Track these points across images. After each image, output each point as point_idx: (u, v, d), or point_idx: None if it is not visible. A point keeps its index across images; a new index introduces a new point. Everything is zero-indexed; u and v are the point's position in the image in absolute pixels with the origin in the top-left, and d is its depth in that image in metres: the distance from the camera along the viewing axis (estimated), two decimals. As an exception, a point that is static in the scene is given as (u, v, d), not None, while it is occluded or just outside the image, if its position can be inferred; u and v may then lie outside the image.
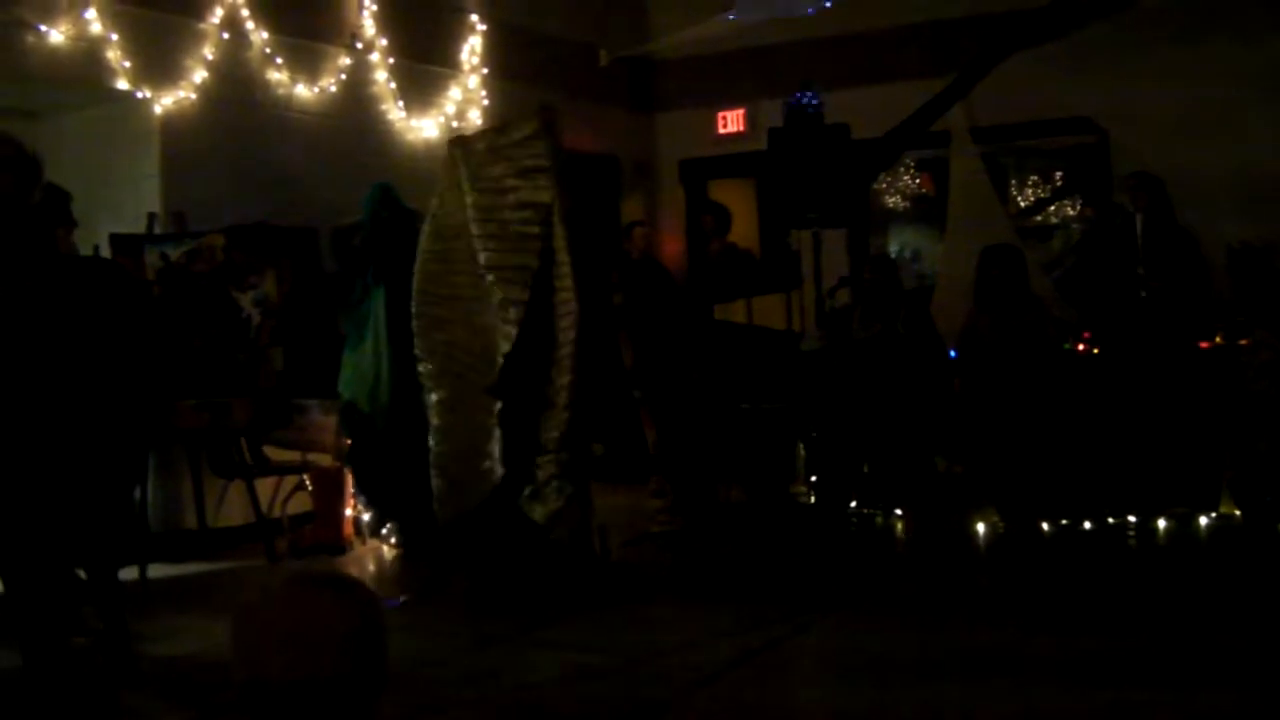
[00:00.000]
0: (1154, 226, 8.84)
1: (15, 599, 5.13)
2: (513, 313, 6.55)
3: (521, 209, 6.64)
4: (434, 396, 6.83)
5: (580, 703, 5.02)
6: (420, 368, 6.88)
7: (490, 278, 6.65)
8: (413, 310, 6.88)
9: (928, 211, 12.55)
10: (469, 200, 6.72)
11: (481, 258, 6.67)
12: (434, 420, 6.82)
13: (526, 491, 6.61)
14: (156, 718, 5.12)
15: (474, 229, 6.70)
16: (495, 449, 6.65)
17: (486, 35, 11.13)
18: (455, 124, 10.66)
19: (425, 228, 6.98)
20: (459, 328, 6.84)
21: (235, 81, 9.09)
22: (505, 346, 6.57)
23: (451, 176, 6.86)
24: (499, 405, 6.62)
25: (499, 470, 6.63)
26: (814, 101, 9.57)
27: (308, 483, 8.33)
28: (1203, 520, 7.77)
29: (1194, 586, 6.49)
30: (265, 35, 9.23)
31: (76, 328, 5.13)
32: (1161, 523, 7.76)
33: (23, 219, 5.26)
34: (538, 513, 6.57)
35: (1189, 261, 8.85)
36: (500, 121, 9.87)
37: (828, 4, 11.03)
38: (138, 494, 7.12)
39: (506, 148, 6.77)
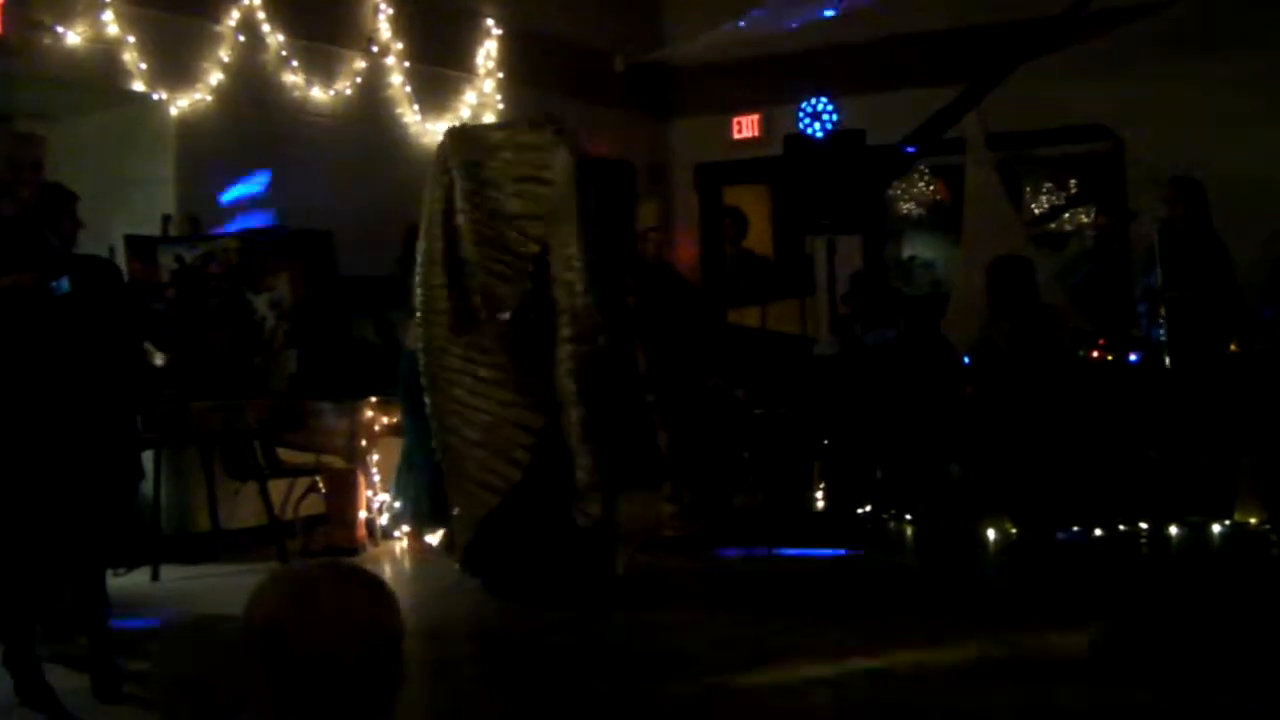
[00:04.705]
0: (1186, 234, 8.70)
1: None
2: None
3: (519, 219, 6.63)
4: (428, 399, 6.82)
5: (587, 708, 5.02)
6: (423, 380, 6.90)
7: (479, 278, 6.65)
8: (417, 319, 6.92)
9: (942, 218, 12.53)
10: (460, 188, 6.69)
11: (471, 250, 6.67)
12: (434, 424, 6.83)
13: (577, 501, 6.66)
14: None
15: (461, 219, 6.69)
16: (508, 450, 6.66)
17: (502, 40, 11.15)
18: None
19: (422, 228, 7.00)
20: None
21: (251, 84, 9.11)
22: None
23: (442, 168, 6.84)
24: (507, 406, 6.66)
25: (512, 473, 6.63)
26: (828, 109, 9.59)
27: (321, 485, 8.35)
28: (1216, 528, 7.75)
29: (1208, 592, 6.48)
30: (281, 38, 9.26)
31: (85, 329, 5.16)
32: (1174, 530, 7.75)
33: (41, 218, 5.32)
34: (586, 519, 6.60)
35: (1220, 269, 8.68)
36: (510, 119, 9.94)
37: (832, 13, 11.04)
38: (137, 497, 7.05)
39: (518, 147, 6.78)
